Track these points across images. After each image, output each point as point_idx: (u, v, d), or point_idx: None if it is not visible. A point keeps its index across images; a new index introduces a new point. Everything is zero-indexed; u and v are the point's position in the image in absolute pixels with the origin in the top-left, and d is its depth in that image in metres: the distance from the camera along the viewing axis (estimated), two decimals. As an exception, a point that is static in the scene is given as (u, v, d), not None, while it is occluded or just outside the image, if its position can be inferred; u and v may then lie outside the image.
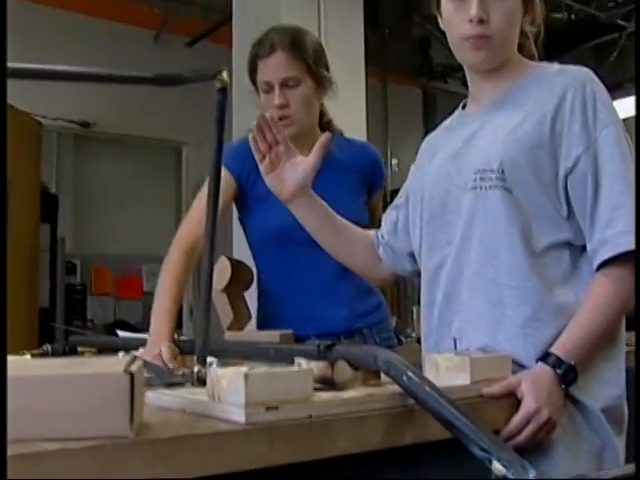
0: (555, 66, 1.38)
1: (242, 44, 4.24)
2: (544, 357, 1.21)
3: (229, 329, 1.78)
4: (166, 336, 1.60)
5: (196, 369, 1.07)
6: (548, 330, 1.24)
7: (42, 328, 4.85)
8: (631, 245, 1.21)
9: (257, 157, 1.49)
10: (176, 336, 1.63)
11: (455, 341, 1.26)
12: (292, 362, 1.06)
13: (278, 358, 1.10)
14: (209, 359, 1.09)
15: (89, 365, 0.81)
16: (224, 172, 1.84)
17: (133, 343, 1.64)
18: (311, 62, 1.86)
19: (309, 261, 1.84)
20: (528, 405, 1.13)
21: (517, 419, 1.13)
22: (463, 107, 1.51)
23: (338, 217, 1.59)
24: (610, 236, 1.23)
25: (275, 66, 1.85)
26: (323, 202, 1.56)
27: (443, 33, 1.41)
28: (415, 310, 3.57)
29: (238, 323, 1.80)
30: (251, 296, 1.92)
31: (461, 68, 1.46)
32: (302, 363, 1.04)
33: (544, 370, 1.19)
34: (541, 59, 1.46)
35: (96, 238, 7.85)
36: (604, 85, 1.34)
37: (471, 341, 1.29)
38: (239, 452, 0.83)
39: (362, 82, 4.26)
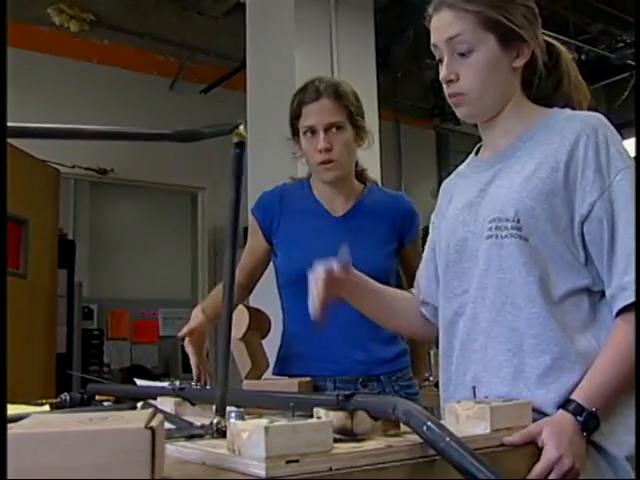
0: (566, 112, 1.38)
1: (256, 90, 4.31)
2: (565, 404, 1.20)
3: (247, 378, 1.78)
4: (206, 309, 1.93)
5: (215, 420, 1.06)
6: (569, 377, 1.24)
7: (59, 373, 4.85)
8: None
9: None
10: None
11: (474, 389, 1.26)
12: (311, 412, 1.06)
13: (297, 408, 1.09)
14: (228, 408, 1.09)
15: (110, 420, 0.81)
16: (251, 218, 2.07)
17: (151, 392, 1.64)
18: (353, 109, 1.94)
19: None
20: (550, 454, 1.12)
21: (539, 468, 1.11)
22: (476, 152, 1.53)
23: (377, 285, 1.58)
24: (628, 283, 1.23)
25: (320, 111, 1.92)
26: (360, 275, 1.55)
27: (435, 58, 1.44)
28: (432, 354, 3.55)
29: (256, 372, 1.80)
30: (267, 343, 1.93)
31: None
32: (321, 413, 1.04)
33: (565, 417, 1.18)
34: (583, 76, 1.46)
35: (112, 283, 7.90)
36: (616, 125, 1.34)
37: (490, 390, 1.29)
38: (260, 506, 0.82)
39: (375, 124, 4.29)
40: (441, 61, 1.39)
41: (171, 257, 7.98)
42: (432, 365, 3.56)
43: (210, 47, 5.93)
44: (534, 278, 1.28)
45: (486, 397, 1.24)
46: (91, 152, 5.40)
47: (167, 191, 6.97)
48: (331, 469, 0.89)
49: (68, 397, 1.72)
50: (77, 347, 6.15)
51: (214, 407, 1.25)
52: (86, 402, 1.73)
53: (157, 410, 1.02)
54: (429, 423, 0.94)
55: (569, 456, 1.12)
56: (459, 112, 1.41)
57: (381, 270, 1.89)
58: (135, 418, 0.82)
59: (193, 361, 1.86)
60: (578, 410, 1.18)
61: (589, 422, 1.17)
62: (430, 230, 1.59)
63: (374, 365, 1.90)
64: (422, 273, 1.59)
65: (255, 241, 2.06)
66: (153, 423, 0.79)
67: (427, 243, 1.60)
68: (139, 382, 2.14)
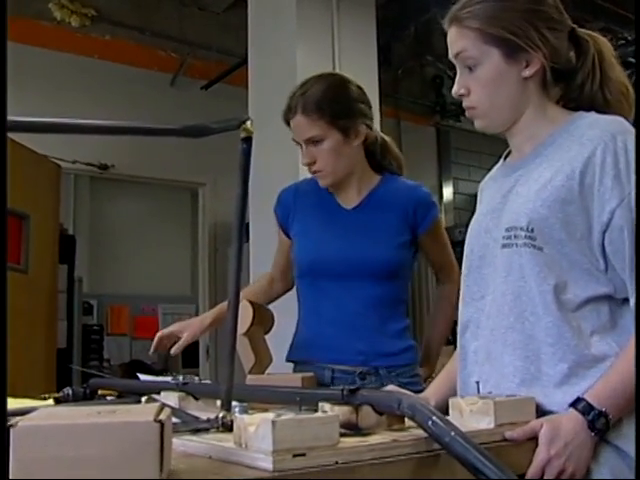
0: (590, 117, 1.36)
1: (258, 86, 4.30)
2: (575, 402, 1.20)
3: (250, 372, 1.79)
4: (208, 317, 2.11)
5: (221, 415, 1.07)
6: (587, 382, 1.23)
7: (60, 369, 4.86)
8: None
9: None
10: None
11: (478, 384, 1.26)
12: (316, 406, 1.07)
13: (302, 403, 1.10)
14: (233, 403, 1.10)
15: (119, 413, 0.82)
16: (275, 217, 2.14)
17: (154, 387, 1.64)
18: (327, 117, 1.92)
19: (335, 295, 1.93)
20: (538, 456, 1.13)
21: (531, 470, 1.12)
22: (505, 157, 1.53)
23: None
24: None
25: (297, 128, 1.94)
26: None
27: (455, 72, 1.44)
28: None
29: (259, 367, 1.80)
30: (271, 338, 1.94)
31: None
32: (327, 408, 1.05)
33: (571, 416, 1.18)
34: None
35: (113, 278, 7.90)
36: None
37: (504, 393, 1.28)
38: (267, 499, 0.83)
39: (377, 120, 4.29)
40: None
41: (171, 253, 7.98)
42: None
43: (211, 43, 5.92)
44: (548, 287, 1.27)
45: (490, 392, 1.25)
46: (92, 147, 5.40)
47: (167, 187, 6.98)
48: (337, 463, 0.90)
49: (71, 392, 1.73)
50: (77, 342, 6.16)
51: (218, 402, 1.26)
52: (89, 397, 1.73)
53: (163, 404, 1.03)
54: (434, 418, 0.95)
55: (560, 458, 1.13)
56: (476, 124, 1.44)
57: (391, 262, 1.95)
58: (143, 411, 0.83)
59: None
60: (587, 409, 1.17)
61: (597, 421, 1.17)
62: None
63: (374, 357, 1.91)
64: None
65: (280, 238, 2.14)
66: (161, 416, 0.79)
67: None
68: (142, 377, 2.14)
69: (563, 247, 1.28)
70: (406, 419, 1.06)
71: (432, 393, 1.48)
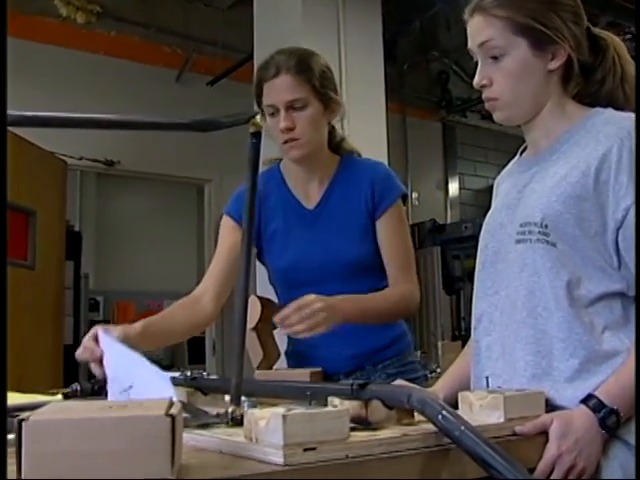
0: (606, 113, 1.36)
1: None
2: (586, 399, 1.19)
3: (258, 368, 1.79)
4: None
5: (230, 409, 1.07)
6: (597, 378, 1.23)
7: (66, 365, 4.87)
8: None
9: None
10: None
11: (487, 379, 1.26)
12: (325, 401, 1.07)
13: (311, 398, 1.10)
14: (242, 398, 1.10)
15: (130, 408, 0.82)
16: (226, 218, 1.96)
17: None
18: (317, 84, 1.83)
19: None
20: (548, 451, 1.12)
21: (541, 465, 1.12)
22: (521, 153, 1.52)
23: None
24: None
25: (280, 88, 1.81)
26: None
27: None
28: (440, 345, 3.55)
29: (267, 362, 1.80)
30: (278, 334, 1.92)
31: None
32: (336, 402, 1.05)
33: (582, 413, 1.17)
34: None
35: (119, 275, 7.93)
36: None
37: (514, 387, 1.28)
38: (278, 493, 0.83)
39: (383, 116, 4.30)
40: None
41: (177, 249, 8.00)
42: (440, 356, 3.57)
43: (217, 39, 5.92)
44: (561, 282, 1.27)
45: (499, 387, 1.24)
46: (98, 144, 5.41)
47: (173, 183, 6.99)
48: (347, 457, 0.90)
49: (79, 387, 1.73)
50: (83, 338, 6.16)
51: (227, 397, 1.27)
52: (97, 392, 1.74)
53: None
54: (444, 412, 0.95)
55: (571, 454, 1.12)
56: (495, 116, 1.41)
57: (360, 257, 1.86)
58: (154, 406, 0.83)
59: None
60: (598, 406, 1.17)
61: (608, 419, 1.16)
62: None
63: (365, 357, 1.86)
64: None
65: (227, 241, 1.94)
66: (172, 411, 0.79)
67: None
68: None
69: (577, 243, 1.27)
70: (416, 413, 1.06)
71: (440, 388, 1.47)
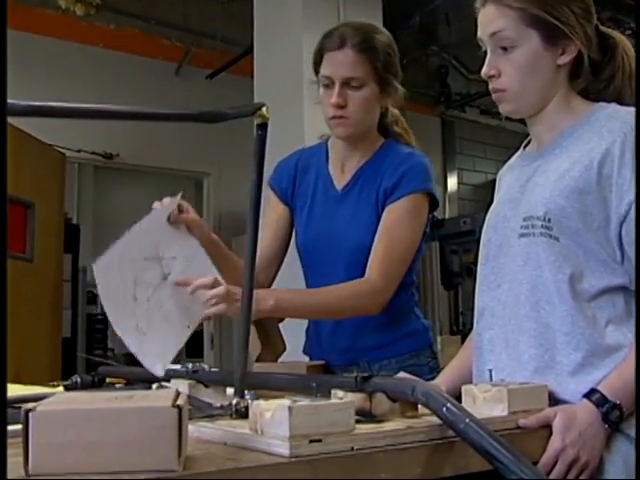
0: (610, 108, 1.36)
1: (263, 75, 4.30)
2: (589, 393, 1.19)
3: (259, 360, 1.79)
4: None
5: (234, 401, 1.07)
6: (600, 372, 1.23)
7: (65, 357, 4.87)
8: None
9: None
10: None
11: (491, 372, 1.26)
12: (329, 394, 1.07)
13: (316, 390, 1.10)
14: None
15: (136, 398, 0.82)
16: (268, 191, 1.96)
17: (164, 375, 1.64)
18: (379, 66, 1.78)
19: (320, 284, 1.81)
20: (552, 444, 1.13)
21: (544, 459, 1.12)
22: (525, 146, 1.52)
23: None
24: None
25: (340, 62, 1.76)
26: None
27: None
28: (439, 340, 3.56)
29: (272, 354, 1.80)
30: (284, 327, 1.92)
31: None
32: (340, 395, 1.05)
33: (585, 407, 1.18)
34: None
35: (116, 268, 7.90)
36: None
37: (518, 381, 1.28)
38: (284, 484, 0.83)
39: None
40: (487, 54, 1.38)
41: (175, 243, 7.99)
42: (439, 351, 3.57)
43: (216, 32, 5.91)
44: (564, 276, 1.27)
45: (502, 380, 1.25)
46: (97, 136, 5.40)
47: (172, 176, 6.96)
48: (353, 449, 0.90)
49: (79, 379, 1.73)
50: (82, 332, 6.17)
51: (228, 389, 1.27)
52: (97, 384, 1.73)
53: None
54: (448, 405, 0.95)
55: (574, 447, 1.13)
56: (501, 108, 1.40)
57: (370, 246, 1.79)
58: (160, 397, 0.83)
59: None
60: (601, 401, 1.17)
61: (611, 414, 1.17)
62: None
63: (361, 353, 1.84)
64: None
65: (274, 210, 1.96)
66: (179, 402, 0.79)
67: None
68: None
69: (579, 237, 1.27)
70: (420, 406, 1.06)
71: (442, 381, 1.48)
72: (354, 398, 1.02)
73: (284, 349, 1.86)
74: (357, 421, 0.97)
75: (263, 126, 0.97)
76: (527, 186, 1.38)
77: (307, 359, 1.95)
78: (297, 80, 3.90)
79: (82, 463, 0.75)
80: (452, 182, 7.64)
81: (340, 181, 1.91)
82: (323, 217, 1.89)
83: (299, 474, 0.84)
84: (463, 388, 1.20)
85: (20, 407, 0.77)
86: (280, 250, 1.95)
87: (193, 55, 5.98)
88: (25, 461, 0.75)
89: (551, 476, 1.11)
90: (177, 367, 1.63)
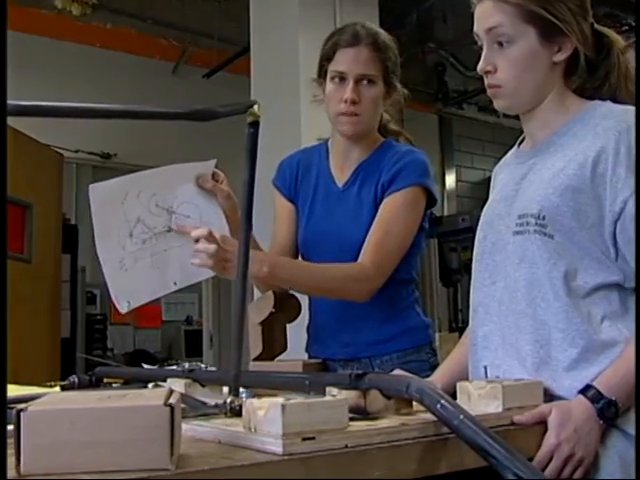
0: (604, 106, 1.35)
1: (260, 74, 4.29)
2: (584, 389, 1.20)
3: (255, 360, 1.79)
4: None
5: (229, 400, 1.07)
6: (596, 368, 1.23)
7: (64, 358, 4.87)
8: None
9: None
10: None
11: (486, 368, 1.26)
12: (323, 392, 1.07)
13: (310, 388, 1.10)
14: (240, 389, 1.10)
15: (129, 398, 0.82)
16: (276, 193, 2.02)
17: (160, 374, 1.64)
18: (390, 65, 1.84)
19: None
20: (547, 440, 1.13)
21: (539, 455, 1.12)
22: (519, 143, 1.52)
23: None
24: None
25: (356, 59, 1.80)
26: None
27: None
28: (438, 337, 3.55)
29: (270, 353, 1.79)
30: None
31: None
32: (334, 393, 1.05)
33: (580, 403, 1.18)
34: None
35: (115, 268, 7.89)
36: None
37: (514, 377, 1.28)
38: (277, 483, 0.83)
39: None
40: (482, 49, 1.38)
41: (174, 242, 7.98)
42: (437, 348, 3.56)
43: (213, 31, 5.90)
44: (558, 274, 1.27)
45: (497, 377, 1.25)
46: (94, 137, 5.39)
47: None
48: (346, 446, 0.90)
49: (77, 379, 1.73)
50: (81, 332, 6.17)
51: (224, 388, 1.27)
52: (94, 384, 1.73)
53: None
54: (443, 401, 0.95)
55: (569, 443, 1.13)
56: (496, 104, 1.40)
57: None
58: (153, 396, 0.83)
59: None
60: (596, 397, 1.18)
61: (606, 410, 1.17)
62: None
63: (363, 347, 1.85)
64: None
65: (282, 206, 2.00)
66: (171, 400, 0.79)
67: None
68: (146, 367, 2.14)
69: (574, 235, 1.27)
70: (414, 403, 1.06)
71: (438, 378, 1.48)
72: (348, 395, 1.02)
73: (283, 350, 1.85)
74: (351, 419, 0.97)
75: (255, 124, 0.96)
76: (522, 184, 1.38)
77: (306, 357, 1.95)
78: (294, 79, 3.90)
79: (74, 462, 0.75)
80: (450, 180, 7.64)
81: (340, 178, 1.94)
82: (324, 214, 1.92)
83: (292, 472, 0.84)
84: (458, 385, 1.20)
85: (13, 407, 0.77)
86: (296, 241, 1.99)
87: (190, 54, 5.98)
88: (17, 461, 0.74)
89: (546, 472, 1.11)
90: (173, 367, 1.63)
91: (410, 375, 1.21)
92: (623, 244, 1.26)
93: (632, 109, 1.31)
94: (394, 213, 1.80)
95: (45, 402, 0.81)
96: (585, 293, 1.27)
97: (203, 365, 1.63)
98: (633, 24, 5.42)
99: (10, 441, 0.77)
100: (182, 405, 1.13)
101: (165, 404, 0.77)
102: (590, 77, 1.41)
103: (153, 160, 6.24)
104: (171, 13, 5.91)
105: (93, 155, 5.57)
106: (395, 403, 1.07)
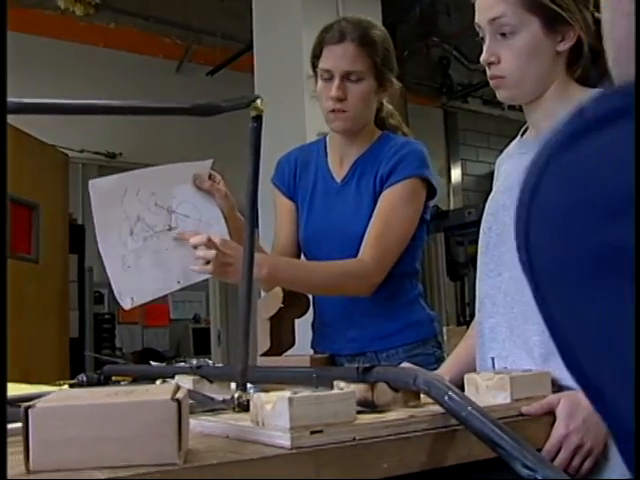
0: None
1: (263, 71, 4.29)
2: None
3: (262, 355, 1.79)
4: None
5: (237, 395, 1.07)
6: None
7: (72, 358, 4.88)
8: None
9: None
10: None
11: (493, 360, 1.26)
12: (331, 385, 1.07)
13: (318, 382, 1.10)
14: (247, 385, 1.10)
15: (136, 393, 0.82)
16: (273, 189, 2.01)
17: (168, 371, 1.65)
18: (378, 60, 1.81)
19: None
20: (556, 431, 1.12)
21: (548, 445, 1.12)
22: (522, 133, 1.51)
23: None
24: None
25: (341, 56, 1.79)
26: None
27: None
28: (445, 331, 3.54)
29: (277, 348, 1.79)
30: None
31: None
32: (342, 386, 1.05)
33: None
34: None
35: (123, 267, 7.91)
36: None
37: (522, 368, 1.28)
38: (286, 476, 0.83)
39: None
40: (484, 40, 1.38)
41: (180, 240, 8.00)
42: (444, 342, 3.56)
43: (216, 29, 5.91)
44: None
45: (505, 368, 1.24)
46: (99, 136, 5.41)
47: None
48: (355, 439, 0.89)
49: (85, 378, 1.73)
50: (89, 332, 6.19)
51: (232, 384, 1.27)
52: (103, 383, 1.74)
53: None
54: (450, 393, 0.95)
55: (578, 434, 1.12)
56: (499, 94, 1.39)
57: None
58: (160, 391, 0.83)
59: None
60: None
61: None
62: None
63: (368, 342, 1.85)
64: None
65: (283, 205, 1.99)
66: (178, 395, 0.79)
67: None
68: (154, 364, 2.15)
69: None
70: (422, 395, 1.06)
71: (446, 370, 1.48)
72: (356, 388, 1.02)
73: (291, 345, 1.85)
74: (359, 412, 0.97)
75: (258, 118, 0.96)
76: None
77: (312, 353, 1.95)
78: (297, 75, 3.89)
79: (82, 458, 0.75)
80: (456, 173, 7.63)
81: (339, 174, 1.94)
82: (323, 210, 1.92)
83: (300, 465, 0.84)
84: (466, 377, 1.19)
85: (20, 406, 0.77)
86: (298, 239, 1.99)
87: (193, 52, 5.99)
88: (26, 458, 0.75)
89: (555, 463, 1.10)
90: (181, 364, 1.64)
91: (417, 368, 1.21)
92: None
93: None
94: (393, 205, 1.80)
95: (53, 399, 0.81)
96: None
97: (211, 362, 1.64)
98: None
99: (17, 439, 0.77)
100: (190, 401, 1.14)
101: (172, 399, 0.77)
102: (593, 66, 1.41)
103: (159, 159, 6.25)
104: (174, 11, 5.92)
105: (99, 155, 5.59)
106: (403, 396, 1.07)
